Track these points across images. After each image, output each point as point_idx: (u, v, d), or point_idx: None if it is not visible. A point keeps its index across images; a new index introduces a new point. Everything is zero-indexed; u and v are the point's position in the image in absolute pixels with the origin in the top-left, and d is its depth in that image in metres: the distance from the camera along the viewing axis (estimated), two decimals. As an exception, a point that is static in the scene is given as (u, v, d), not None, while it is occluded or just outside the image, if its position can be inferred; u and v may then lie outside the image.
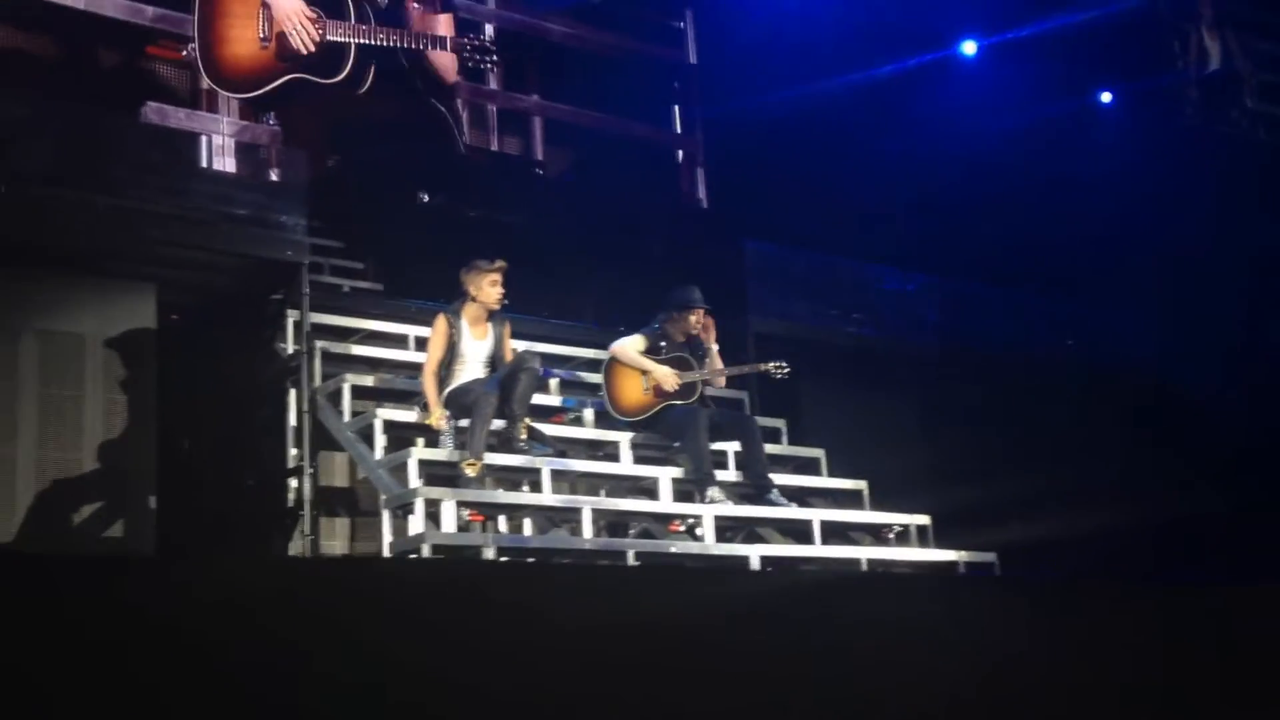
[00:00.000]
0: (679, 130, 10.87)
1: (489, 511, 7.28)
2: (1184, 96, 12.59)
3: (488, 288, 7.53)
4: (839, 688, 3.35)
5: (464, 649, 2.92)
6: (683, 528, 7.57)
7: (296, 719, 2.64)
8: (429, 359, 7.50)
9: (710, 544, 7.39)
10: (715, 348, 8.18)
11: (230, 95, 8.06)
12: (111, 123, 7.68)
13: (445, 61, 8.01)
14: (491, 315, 7.64)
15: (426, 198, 9.10)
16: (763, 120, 10.48)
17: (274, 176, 8.28)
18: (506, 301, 7.62)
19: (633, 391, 8.11)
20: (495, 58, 8.18)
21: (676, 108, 10.83)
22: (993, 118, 11.43)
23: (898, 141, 11.09)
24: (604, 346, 8.42)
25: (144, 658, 2.53)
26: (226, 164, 8.29)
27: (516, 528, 7.68)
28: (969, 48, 12.17)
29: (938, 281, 10.83)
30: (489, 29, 9.77)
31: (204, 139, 8.27)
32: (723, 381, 8.24)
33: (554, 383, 8.55)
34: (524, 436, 7.46)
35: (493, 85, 10.21)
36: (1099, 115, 12.79)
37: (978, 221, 11.15)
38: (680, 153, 10.80)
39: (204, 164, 8.20)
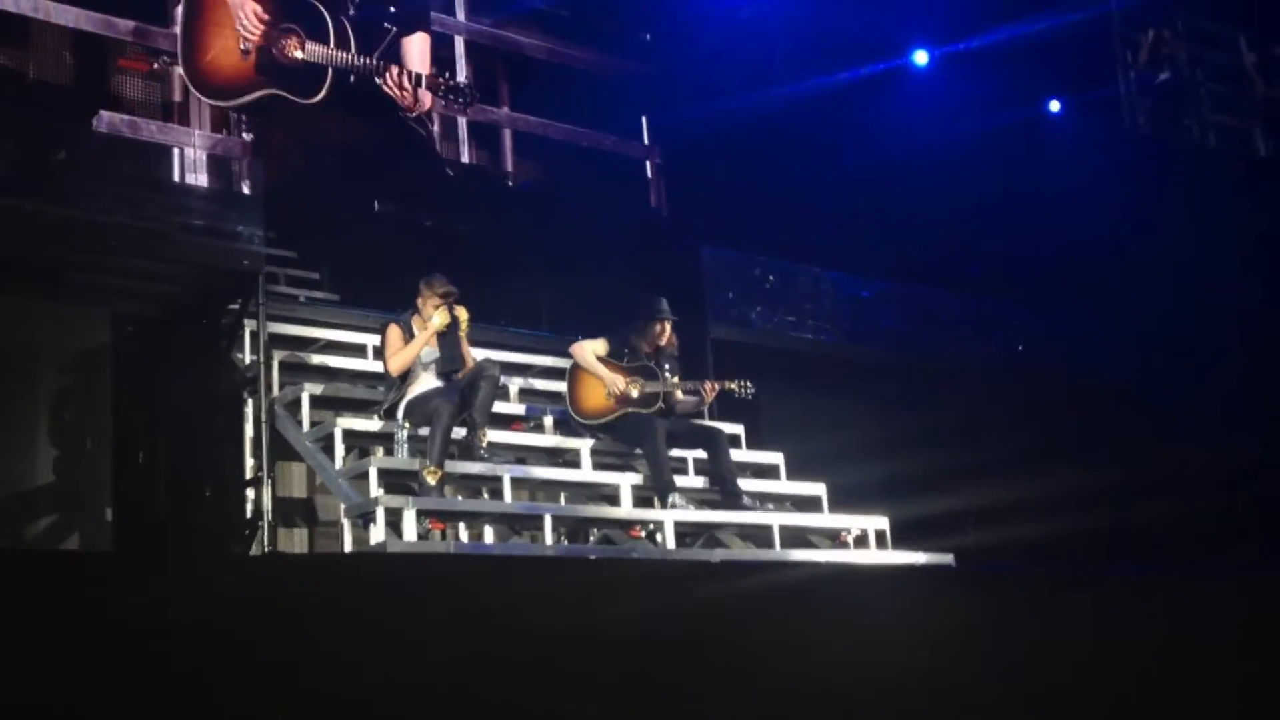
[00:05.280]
0: (647, 141, 10.88)
1: (450, 519, 7.28)
2: (1135, 105, 12.73)
3: (431, 309, 7.56)
4: (807, 682, 3.39)
5: (437, 648, 2.92)
6: (643, 533, 7.60)
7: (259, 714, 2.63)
8: (396, 360, 7.48)
9: (671, 549, 7.41)
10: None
11: (209, 102, 8.17)
12: (70, 133, 7.63)
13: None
14: None
15: (377, 206, 9.12)
16: (719, 129, 10.51)
17: (246, 190, 8.29)
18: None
19: (595, 396, 8.13)
20: (468, 99, 8.32)
21: (645, 119, 10.85)
22: (945, 126, 11.52)
23: (852, 150, 11.16)
24: (561, 354, 8.43)
25: (105, 653, 2.52)
26: (199, 178, 8.27)
27: (477, 535, 7.69)
28: (921, 58, 12.27)
29: (893, 288, 10.92)
30: (463, 71, 9.71)
31: (176, 152, 8.26)
32: (682, 396, 8.22)
33: (514, 390, 8.55)
34: (484, 444, 7.47)
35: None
36: (1050, 124, 12.92)
37: (931, 229, 11.25)
38: (648, 164, 10.83)
39: (176, 178, 8.19)
